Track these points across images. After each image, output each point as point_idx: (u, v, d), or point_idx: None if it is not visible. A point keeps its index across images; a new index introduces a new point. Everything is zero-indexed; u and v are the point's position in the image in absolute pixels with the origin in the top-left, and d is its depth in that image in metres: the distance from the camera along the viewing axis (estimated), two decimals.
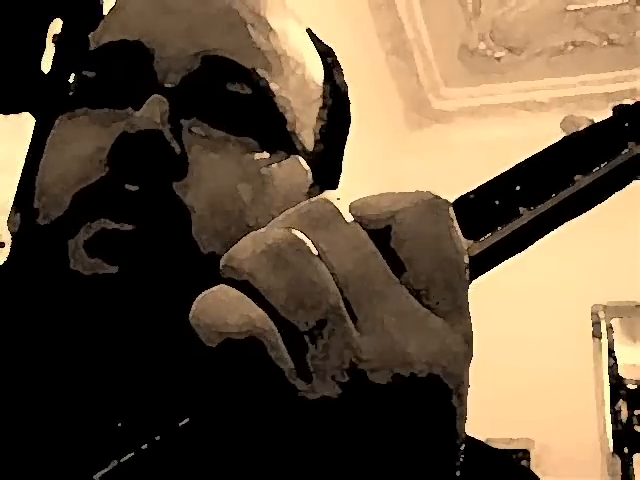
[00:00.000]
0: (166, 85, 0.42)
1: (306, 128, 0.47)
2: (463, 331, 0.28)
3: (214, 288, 0.26)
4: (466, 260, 0.28)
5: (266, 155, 0.43)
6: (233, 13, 0.45)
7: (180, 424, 0.26)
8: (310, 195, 0.46)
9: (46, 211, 0.41)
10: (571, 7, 3.15)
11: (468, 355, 0.28)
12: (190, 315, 0.26)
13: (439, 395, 0.26)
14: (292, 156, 0.45)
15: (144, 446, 0.26)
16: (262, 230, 0.27)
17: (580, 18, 3.19)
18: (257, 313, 0.25)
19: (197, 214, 0.40)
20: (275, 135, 0.44)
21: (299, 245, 0.26)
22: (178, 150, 0.40)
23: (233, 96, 0.43)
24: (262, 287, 0.25)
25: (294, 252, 0.26)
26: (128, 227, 0.38)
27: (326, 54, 0.52)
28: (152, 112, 0.40)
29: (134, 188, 0.39)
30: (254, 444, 0.26)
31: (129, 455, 0.26)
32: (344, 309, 0.26)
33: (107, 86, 0.43)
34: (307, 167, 0.46)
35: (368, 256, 0.27)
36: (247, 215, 0.41)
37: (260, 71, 0.44)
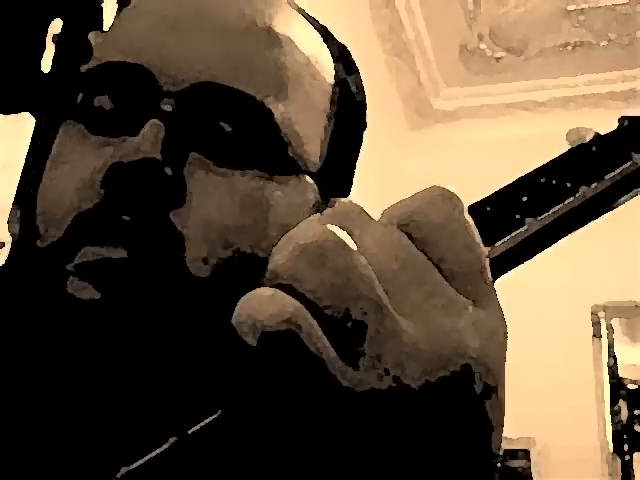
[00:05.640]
0: (164, 109, 0.41)
1: (312, 142, 0.45)
2: (497, 315, 0.29)
3: (255, 290, 0.26)
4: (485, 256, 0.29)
5: (268, 179, 0.42)
6: (235, 31, 0.44)
7: (199, 426, 0.26)
8: (316, 211, 0.45)
9: (46, 231, 0.41)
10: (571, 7, 3.15)
11: (506, 339, 0.30)
12: (233, 317, 0.26)
13: (481, 386, 0.29)
14: (295, 176, 0.44)
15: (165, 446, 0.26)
16: (295, 230, 0.27)
17: (580, 18, 3.19)
18: (292, 304, 0.25)
19: (192, 241, 0.39)
20: (278, 160, 0.43)
21: (337, 240, 0.26)
22: (174, 178, 0.40)
23: (233, 125, 0.42)
24: (305, 287, 0.26)
25: (332, 248, 0.26)
26: (122, 254, 0.38)
27: (338, 51, 0.51)
28: (148, 139, 0.39)
29: (128, 217, 0.39)
30: (289, 436, 0.26)
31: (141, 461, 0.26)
32: (387, 300, 0.26)
33: (106, 106, 0.43)
34: (311, 183, 0.45)
35: (408, 249, 0.27)
36: (246, 240, 0.41)
37: (262, 96, 0.43)
